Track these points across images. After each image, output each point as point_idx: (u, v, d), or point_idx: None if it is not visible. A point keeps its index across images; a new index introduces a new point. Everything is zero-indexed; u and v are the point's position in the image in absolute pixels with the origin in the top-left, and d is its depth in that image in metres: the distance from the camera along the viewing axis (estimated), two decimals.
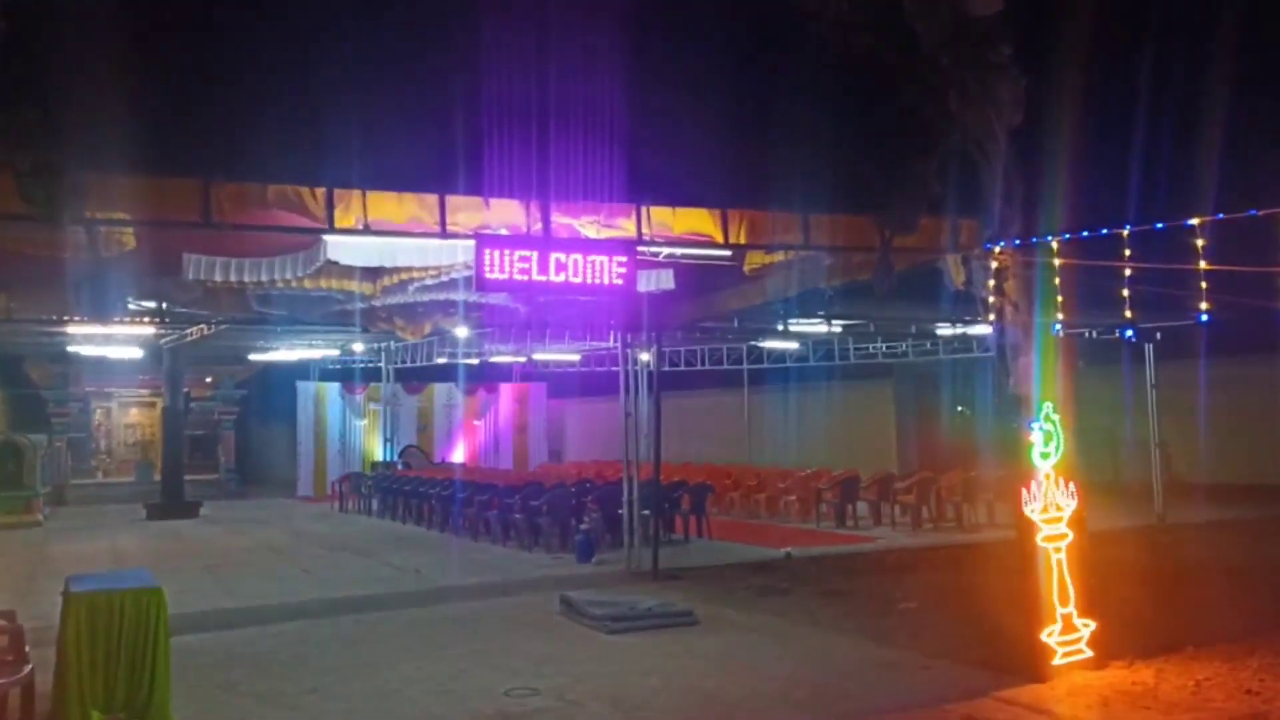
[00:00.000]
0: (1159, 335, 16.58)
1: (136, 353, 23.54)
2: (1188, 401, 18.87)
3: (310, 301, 11.08)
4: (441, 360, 28.30)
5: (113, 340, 21.81)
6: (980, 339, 20.16)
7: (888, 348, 23.15)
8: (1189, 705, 6.49)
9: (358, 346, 23.95)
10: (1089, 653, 7.52)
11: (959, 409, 25.31)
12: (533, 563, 13.93)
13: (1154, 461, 16.92)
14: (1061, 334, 7.64)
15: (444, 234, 7.56)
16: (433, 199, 7.59)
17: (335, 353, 25.85)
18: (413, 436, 31.60)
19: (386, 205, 7.46)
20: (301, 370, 29.53)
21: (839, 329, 18.21)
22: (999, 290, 7.59)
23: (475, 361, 29.15)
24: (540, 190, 7.60)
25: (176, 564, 14.41)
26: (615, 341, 13.77)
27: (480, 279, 7.52)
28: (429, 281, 9.72)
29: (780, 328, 16.12)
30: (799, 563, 13.52)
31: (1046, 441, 7.60)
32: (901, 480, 17.76)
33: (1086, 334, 16.63)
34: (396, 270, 8.94)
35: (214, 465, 31.01)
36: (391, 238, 7.74)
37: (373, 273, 9.27)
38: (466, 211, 7.74)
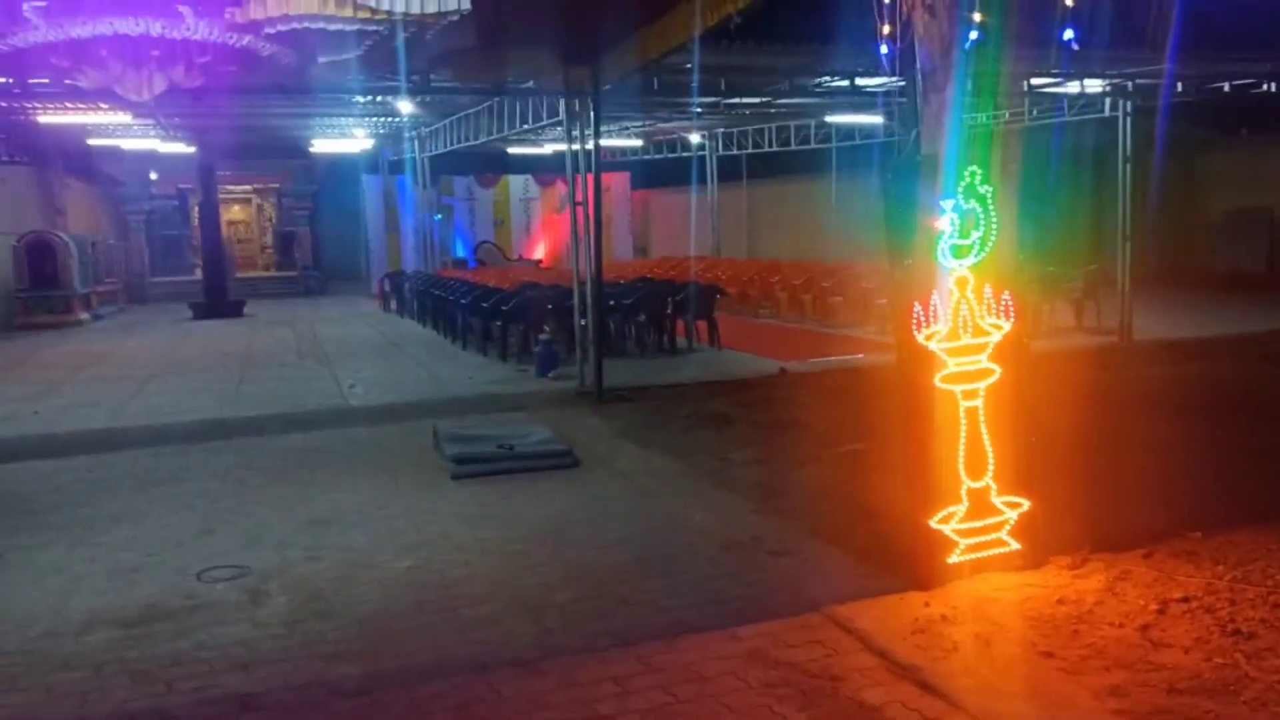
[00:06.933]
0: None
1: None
2: None
3: None
4: (512, 149, 26.26)
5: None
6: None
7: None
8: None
9: (357, 132, 21.82)
10: (1015, 545, 5.05)
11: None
12: (491, 376, 12.13)
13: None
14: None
15: None
16: None
17: (367, 143, 23.83)
18: (489, 232, 30.01)
19: None
20: (369, 163, 28.00)
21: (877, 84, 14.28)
22: None
23: (548, 151, 26.78)
24: None
25: (128, 373, 13.42)
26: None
27: None
28: None
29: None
30: (787, 379, 11.16)
31: (965, 233, 4.87)
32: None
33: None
34: None
35: (293, 263, 30.59)
36: None
37: None
38: None
